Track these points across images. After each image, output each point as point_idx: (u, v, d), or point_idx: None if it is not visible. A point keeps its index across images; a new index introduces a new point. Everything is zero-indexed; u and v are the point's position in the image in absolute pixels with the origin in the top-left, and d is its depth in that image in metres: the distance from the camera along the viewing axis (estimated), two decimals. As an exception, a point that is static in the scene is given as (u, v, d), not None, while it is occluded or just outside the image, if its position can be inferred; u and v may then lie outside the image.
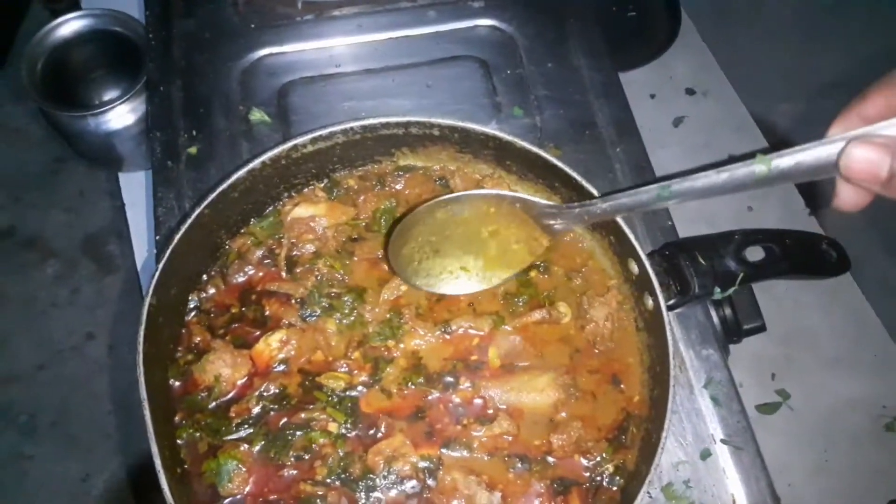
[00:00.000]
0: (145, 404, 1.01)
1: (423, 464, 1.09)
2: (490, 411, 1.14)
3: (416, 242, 1.17)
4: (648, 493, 1.20)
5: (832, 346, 1.74)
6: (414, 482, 1.08)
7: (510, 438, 1.12)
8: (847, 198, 0.76)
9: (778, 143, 2.01)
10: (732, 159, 0.81)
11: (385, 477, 1.08)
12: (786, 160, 0.75)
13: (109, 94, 1.80)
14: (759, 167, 0.77)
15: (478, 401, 1.15)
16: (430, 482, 1.09)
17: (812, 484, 1.62)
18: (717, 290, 1.15)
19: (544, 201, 1.13)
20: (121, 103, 1.63)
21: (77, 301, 3.19)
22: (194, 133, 1.45)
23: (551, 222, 1.12)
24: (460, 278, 1.19)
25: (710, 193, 0.85)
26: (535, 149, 1.20)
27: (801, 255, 1.22)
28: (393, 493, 1.08)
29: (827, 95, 2.62)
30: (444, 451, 1.11)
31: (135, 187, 1.77)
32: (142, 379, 1.03)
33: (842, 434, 1.66)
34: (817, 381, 1.70)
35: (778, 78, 2.40)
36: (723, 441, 1.24)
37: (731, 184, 0.82)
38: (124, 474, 2.78)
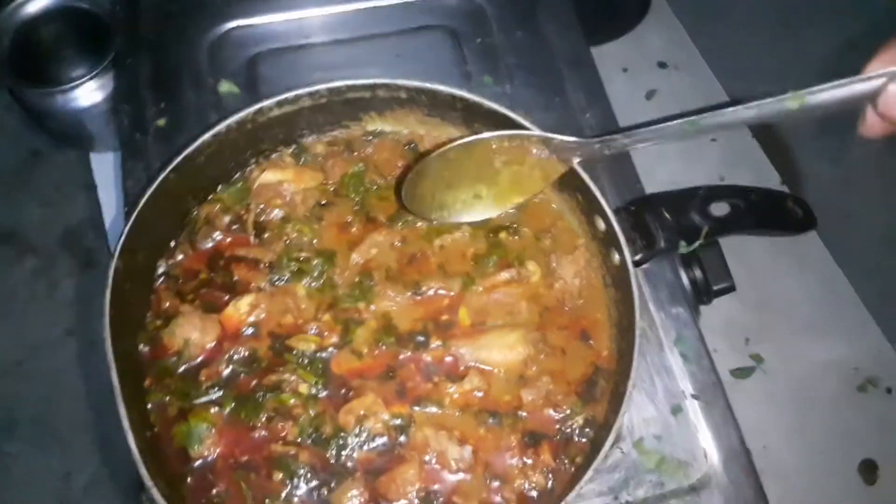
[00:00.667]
0: (112, 366, 1.01)
1: (394, 421, 1.09)
2: (461, 368, 1.14)
3: (430, 180, 1.16)
4: (620, 448, 1.21)
5: (805, 311, 1.76)
6: (385, 439, 1.08)
7: (481, 395, 1.12)
8: (874, 127, 0.76)
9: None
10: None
11: (357, 435, 1.08)
12: (821, 96, 0.75)
13: (78, 72, 1.77)
14: (791, 103, 0.77)
15: (448, 359, 1.15)
16: (401, 439, 1.09)
17: (787, 446, 1.63)
18: (683, 243, 1.16)
19: (564, 137, 1.10)
20: (89, 79, 1.62)
21: (56, 296, 3.16)
22: (162, 105, 1.44)
23: (569, 156, 1.11)
24: (475, 206, 1.20)
25: (735, 126, 0.87)
26: (502, 109, 1.20)
27: (766, 211, 1.23)
28: (364, 450, 1.08)
29: (792, 79, 2.65)
30: (415, 408, 1.11)
31: (106, 168, 1.76)
32: (108, 343, 1.02)
33: (815, 396, 1.68)
34: (790, 346, 1.72)
35: (749, 52, 2.43)
36: (693, 396, 1.25)
37: (759, 117, 0.83)
38: (107, 470, 2.76)
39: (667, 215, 1.16)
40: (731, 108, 0.85)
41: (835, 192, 1.85)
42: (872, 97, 0.73)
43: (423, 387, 1.13)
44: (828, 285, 1.78)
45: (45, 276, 3.21)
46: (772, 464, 1.61)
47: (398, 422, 1.10)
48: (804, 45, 2.67)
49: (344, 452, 1.08)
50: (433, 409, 1.11)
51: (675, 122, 0.93)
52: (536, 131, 1.13)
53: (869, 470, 1.61)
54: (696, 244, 1.16)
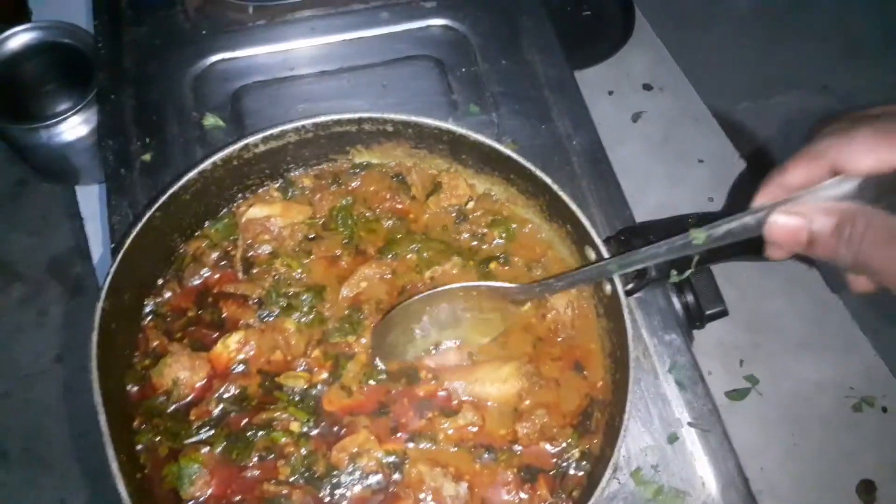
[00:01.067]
0: (100, 409, 0.99)
1: (388, 458, 1.08)
2: (454, 403, 1.13)
3: (397, 329, 1.15)
4: (617, 479, 1.19)
5: (797, 331, 1.76)
6: (379, 477, 1.07)
7: (475, 429, 1.11)
8: (774, 254, 0.87)
9: (734, 133, 2.05)
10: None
11: (350, 473, 1.07)
12: (720, 230, 0.85)
13: (62, 107, 1.77)
14: (696, 239, 0.87)
15: (442, 393, 1.14)
16: (395, 476, 1.07)
17: (784, 467, 1.62)
18: (674, 272, 1.15)
19: (508, 285, 1.14)
20: (73, 114, 1.61)
21: (44, 324, 3.14)
22: (147, 140, 1.43)
23: (520, 298, 1.15)
24: (442, 349, 1.19)
25: (651, 262, 0.98)
26: (488, 141, 1.20)
27: (754, 239, 1.22)
28: (358, 488, 1.06)
29: (780, 89, 2.68)
30: (409, 444, 1.09)
31: (92, 201, 1.75)
32: (96, 385, 1.01)
33: (811, 417, 1.68)
34: (784, 366, 1.72)
35: (733, 71, 2.45)
36: (690, 424, 1.24)
37: (671, 254, 0.92)
38: (102, 497, 2.72)
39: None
40: (643, 249, 0.94)
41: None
42: (760, 228, 0.83)
43: (417, 422, 1.11)
44: (820, 304, 1.79)
45: (33, 305, 3.18)
46: (769, 486, 1.61)
47: (392, 459, 1.08)
48: (787, 59, 2.70)
49: (338, 491, 1.06)
50: (427, 445, 1.09)
51: (597, 263, 1.08)
52: (486, 283, 1.16)
53: (867, 490, 1.60)
54: (688, 273, 1.15)
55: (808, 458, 1.64)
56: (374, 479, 1.07)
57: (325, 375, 1.13)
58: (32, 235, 3.25)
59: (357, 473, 1.07)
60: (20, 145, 1.65)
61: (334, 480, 1.07)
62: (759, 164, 2.06)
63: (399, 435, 1.10)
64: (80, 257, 3.15)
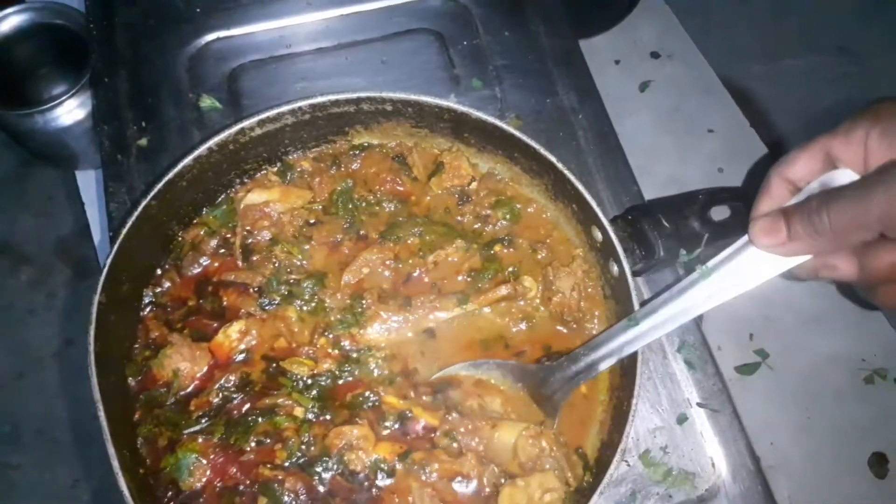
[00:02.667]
0: (100, 406, 0.98)
1: (375, 460, 1.05)
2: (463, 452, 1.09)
3: None
4: (626, 461, 1.18)
5: (809, 304, 1.72)
6: (362, 476, 1.05)
7: (469, 480, 1.06)
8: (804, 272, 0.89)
9: (745, 102, 1.99)
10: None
11: (336, 462, 1.05)
12: (717, 259, 0.95)
13: (58, 90, 1.74)
14: (701, 272, 0.95)
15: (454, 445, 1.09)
16: (380, 482, 1.05)
17: (795, 442, 1.60)
18: (683, 252, 1.12)
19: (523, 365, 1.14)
20: (68, 98, 1.59)
21: (54, 306, 3.14)
22: (143, 124, 1.40)
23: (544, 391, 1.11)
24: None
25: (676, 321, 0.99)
26: (491, 119, 1.17)
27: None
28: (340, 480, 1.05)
29: (793, 52, 2.60)
30: (398, 463, 1.05)
31: (92, 185, 1.73)
32: (94, 381, 1.00)
33: (823, 390, 1.65)
34: (795, 339, 1.69)
35: (742, 36, 2.38)
36: (699, 405, 1.22)
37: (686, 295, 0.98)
38: (114, 477, 2.74)
39: (665, 223, 1.12)
40: (661, 301, 0.99)
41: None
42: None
43: (421, 445, 1.08)
44: (832, 276, 1.75)
45: (42, 287, 3.18)
46: (780, 460, 1.59)
47: (380, 465, 1.05)
48: (800, 20, 2.62)
49: (325, 476, 1.05)
50: (416, 469, 1.05)
51: (618, 324, 1.05)
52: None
53: (879, 463, 1.58)
54: (697, 252, 1.12)
55: (819, 432, 1.61)
56: (357, 477, 1.05)
57: (328, 365, 1.11)
58: (39, 217, 3.24)
59: (340, 467, 1.05)
60: (17, 131, 1.62)
61: (324, 466, 1.05)
62: (768, 132, 2.01)
63: (399, 445, 1.07)
64: (86, 239, 3.14)
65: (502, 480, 1.05)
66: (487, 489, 1.05)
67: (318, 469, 1.05)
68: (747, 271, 0.91)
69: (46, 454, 2.85)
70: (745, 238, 0.91)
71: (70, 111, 1.62)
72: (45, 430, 2.90)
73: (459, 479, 1.05)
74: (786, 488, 1.57)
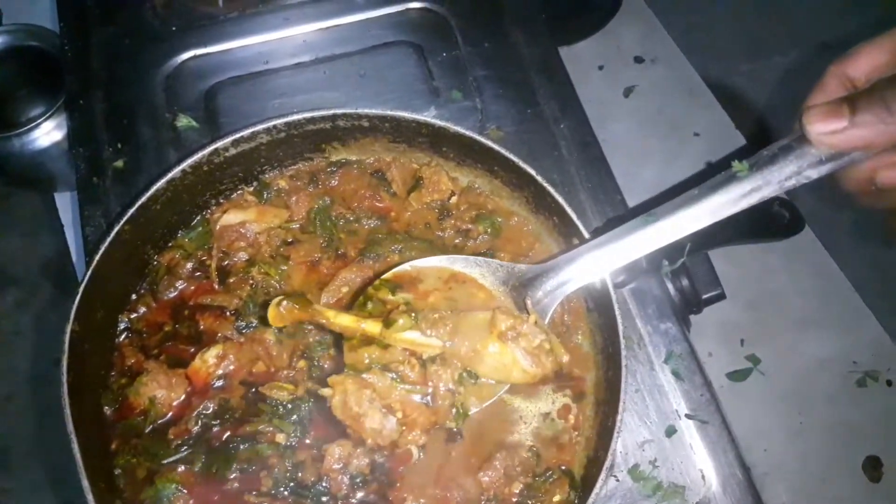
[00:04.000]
0: (73, 438, 0.96)
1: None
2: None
3: None
4: (615, 476, 1.16)
5: (799, 306, 1.72)
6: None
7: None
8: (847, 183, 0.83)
9: (730, 103, 1.98)
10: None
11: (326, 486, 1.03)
12: (762, 157, 0.85)
13: (34, 112, 1.72)
14: (739, 170, 0.87)
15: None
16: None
17: (788, 448, 1.59)
18: (665, 263, 1.11)
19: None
20: (44, 120, 1.57)
21: (41, 327, 3.11)
22: (119, 146, 1.38)
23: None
24: None
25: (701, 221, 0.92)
26: (469, 133, 1.15)
27: (751, 219, 1.18)
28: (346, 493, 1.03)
29: (776, 49, 2.59)
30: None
31: (71, 207, 1.71)
32: (68, 412, 0.98)
33: (815, 394, 1.64)
34: (787, 343, 1.68)
35: (725, 35, 2.37)
36: (687, 416, 1.20)
37: (714, 191, 0.90)
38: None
39: (646, 234, 1.10)
40: (678, 199, 0.93)
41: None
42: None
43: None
44: (821, 278, 1.74)
45: (29, 308, 3.15)
46: (774, 467, 1.58)
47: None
48: (783, 16, 2.61)
49: (324, 499, 1.03)
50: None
51: (633, 221, 0.97)
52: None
53: (874, 467, 1.57)
54: (680, 262, 1.11)
55: (812, 436, 1.60)
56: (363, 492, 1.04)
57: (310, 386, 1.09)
58: (24, 238, 3.21)
59: (346, 479, 1.03)
60: (-7, 155, 1.60)
61: (322, 488, 1.03)
62: (753, 130, 2.00)
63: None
64: (70, 259, 3.12)
65: (465, 376, 0.98)
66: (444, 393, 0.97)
67: (308, 495, 1.03)
68: (787, 172, 0.82)
69: (37, 477, 2.82)
70: (790, 138, 0.82)
71: (47, 133, 1.61)
72: (34, 452, 2.87)
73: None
74: (781, 494, 1.56)
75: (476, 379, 0.99)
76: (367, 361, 0.98)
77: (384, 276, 1.06)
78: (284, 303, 0.98)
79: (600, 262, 0.99)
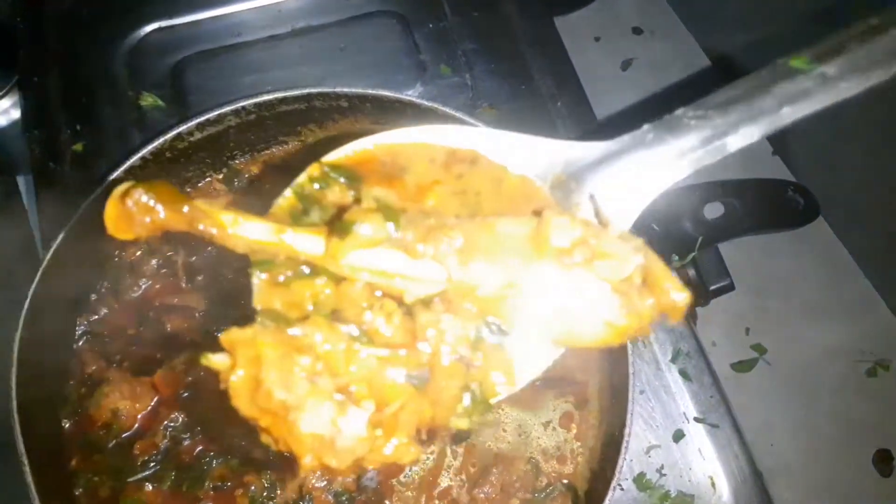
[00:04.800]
0: (25, 461, 0.86)
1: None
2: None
3: None
4: (620, 485, 1.08)
5: (806, 293, 1.64)
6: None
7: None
8: None
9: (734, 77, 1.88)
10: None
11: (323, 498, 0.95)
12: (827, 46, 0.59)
13: (-11, 90, 1.59)
14: (799, 65, 0.59)
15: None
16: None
17: (795, 441, 1.53)
18: (675, 257, 1.02)
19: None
20: (0, 98, 1.44)
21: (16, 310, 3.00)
22: (78, 127, 1.27)
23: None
24: None
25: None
26: (459, 114, 1.04)
27: (764, 208, 1.09)
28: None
29: (780, 19, 2.48)
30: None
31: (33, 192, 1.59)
32: (17, 429, 0.88)
33: (822, 385, 1.57)
34: (793, 332, 1.60)
35: (730, 8, 2.26)
36: (696, 419, 1.12)
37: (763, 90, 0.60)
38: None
39: (655, 226, 1.01)
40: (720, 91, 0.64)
41: (830, 153, 1.70)
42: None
43: None
44: (830, 264, 1.66)
45: (5, 290, 3.05)
46: (781, 462, 1.51)
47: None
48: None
49: None
50: None
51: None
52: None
53: (884, 460, 1.51)
54: (690, 257, 1.02)
55: (820, 429, 1.54)
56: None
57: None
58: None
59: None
60: (-58, 137, 1.48)
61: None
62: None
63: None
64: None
65: (485, 333, 0.58)
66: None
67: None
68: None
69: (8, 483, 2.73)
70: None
71: (3, 112, 1.47)
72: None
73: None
74: (786, 491, 1.49)
75: (504, 338, 0.58)
76: (304, 305, 0.58)
77: (330, 159, 0.65)
78: (137, 193, 0.58)
79: (723, 131, 0.61)
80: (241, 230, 0.58)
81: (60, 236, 0.96)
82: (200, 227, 0.58)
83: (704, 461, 1.10)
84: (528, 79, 1.35)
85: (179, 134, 1.03)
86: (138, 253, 1.07)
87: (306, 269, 0.59)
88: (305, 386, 0.52)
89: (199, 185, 1.12)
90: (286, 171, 1.11)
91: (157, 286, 1.07)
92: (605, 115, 1.40)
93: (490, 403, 0.58)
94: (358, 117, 1.12)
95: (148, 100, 1.30)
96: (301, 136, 1.15)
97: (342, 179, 0.63)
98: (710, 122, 0.61)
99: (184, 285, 1.06)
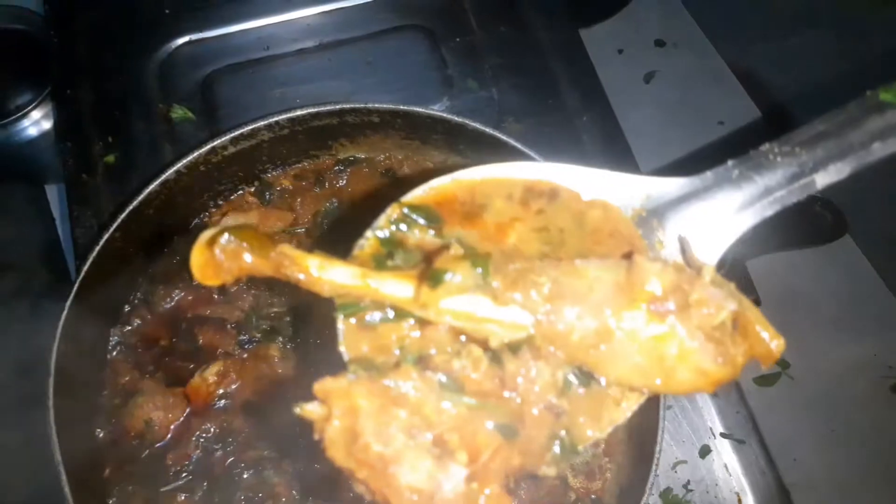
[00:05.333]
0: (61, 469, 0.88)
1: None
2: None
3: None
4: (647, 501, 1.08)
5: (830, 308, 1.62)
6: None
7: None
8: None
9: (757, 91, 1.88)
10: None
11: None
12: None
13: (21, 100, 1.61)
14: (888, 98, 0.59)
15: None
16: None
17: (819, 457, 1.51)
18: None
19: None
20: (32, 109, 1.46)
21: (39, 315, 3.03)
22: (109, 140, 1.29)
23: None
24: None
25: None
26: (489, 130, 1.05)
27: (792, 225, 1.09)
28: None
29: (803, 32, 2.48)
30: None
31: (63, 200, 1.61)
32: (55, 439, 0.89)
33: (847, 400, 1.55)
34: (817, 347, 1.58)
35: (752, 17, 2.25)
36: (723, 435, 1.12)
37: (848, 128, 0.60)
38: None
39: (684, 243, 1.01)
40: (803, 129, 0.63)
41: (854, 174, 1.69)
42: None
43: None
44: (853, 278, 1.65)
45: (26, 296, 3.08)
46: (804, 477, 1.49)
47: None
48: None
49: None
50: None
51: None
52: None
53: (909, 478, 1.49)
54: (720, 274, 1.02)
55: (844, 445, 1.52)
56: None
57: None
58: (16, 225, 3.11)
59: None
60: (-25, 148, 1.50)
61: None
62: (779, 122, 1.89)
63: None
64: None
65: (573, 378, 0.58)
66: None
67: None
68: None
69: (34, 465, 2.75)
70: None
71: (35, 122, 1.50)
72: (21, 447, 2.80)
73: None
74: (810, 506, 1.48)
75: (591, 384, 0.58)
76: (391, 349, 0.58)
77: (409, 199, 0.64)
78: (224, 239, 0.58)
79: (810, 168, 0.61)
80: (329, 274, 0.58)
81: (97, 249, 0.97)
82: (287, 272, 0.58)
83: (731, 477, 1.10)
84: (554, 93, 1.36)
85: (214, 148, 1.04)
86: (172, 264, 1.08)
87: (391, 314, 0.58)
88: (402, 439, 0.52)
89: (232, 198, 1.14)
90: (318, 185, 1.13)
91: (190, 298, 1.08)
92: (630, 128, 1.40)
93: (578, 451, 0.58)
94: (389, 132, 1.13)
95: (178, 112, 1.32)
96: (332, 151, 1.16)
97: (421, 220, 0.63)
98: (798, 159, 0.61)
99: (216, 297, 1.07)
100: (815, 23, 2.58)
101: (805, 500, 1.48)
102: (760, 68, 2.12)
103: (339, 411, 0.53)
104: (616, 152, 1.29)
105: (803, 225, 1.12)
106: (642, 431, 0.97)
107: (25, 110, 1.48)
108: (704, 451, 1.11)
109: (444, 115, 1.06)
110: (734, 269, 1.20)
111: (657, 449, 0.89)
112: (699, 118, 1.82)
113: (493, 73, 1.37)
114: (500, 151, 1.09)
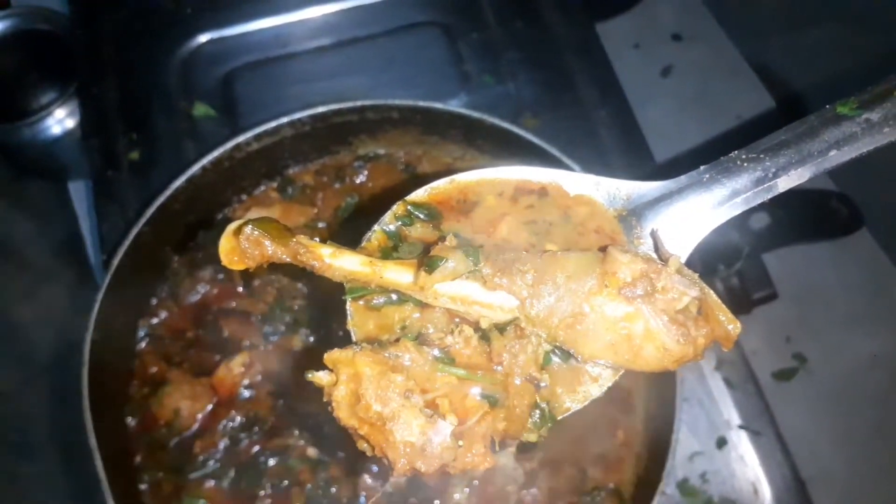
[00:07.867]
0: (97, 454, 0.91)
1: None
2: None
3: None
4: (663, 491, 1.10)
5: (848, 302, 1.62)
6: None
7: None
8: None
9: (775, 85, 1.88)
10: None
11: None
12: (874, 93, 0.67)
13: (46, 99, 1.65)
14: (843, 110, 0.67)
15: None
16: None
17: (836, 451, 1.51)
18: (721, 267, 1.03)
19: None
20: (56, 107, 1.49)
21: (56, 311, 3.08)
22: (134, 136, 1.32)
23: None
24: None
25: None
26: (507, 125, 1.07)
27: (809, 219, 1.10)
28: None
29: (820, 26, 2.47)
30: None
31: (85, 197, 1.64)
32: (90, 425, 0.92)
33: (864, 395, 1.55)
34: (835, 341, 1.58)
35: (768, 10, 2.25)
36: (740, 427, 1.14)
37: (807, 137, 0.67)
38: None
39: (702, 236, 1.02)
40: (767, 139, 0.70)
41: (873, 168, 1.69)
42: None
43: None
44: (872, 272, 1.64)
45: (43, 292, 3.13)
46: (821, 471, 1.50)
47: None
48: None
49: None
50: None
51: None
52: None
53: (926, 471, 1.49)
54: (736, 266, 1.03)
55: (862, 440, 1.52)
56: None
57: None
58: (37, 222, 3.16)
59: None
60: (2, 144, 1.53)
61: None
62: (794, 112, 1.89)
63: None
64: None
65: (553, 357, 0.65)
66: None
67: None
68: None
69: (58, 461, 2.80)
70: None
71: (59, 121, 1.53)
72: (54, 436, 2.85)
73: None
74: (827, 499, 1.48)
75: (569, 361, 0.65)
76: (394, 328, 0.66)
77: (412, 197, 0.71)
78: (248, 229, 0.64)
79: (773, 172, 0.68)
80: (339, 262, 0.66)
81: (127, 242, 1.00)
82: (303, 259, 0.66)
83: (747, 468, 1.11)
84: (571, 88, 1.37)
85: (238, 144, 1.07)
86: (198, 258, 1.11)
87: (394, 297, 0.66)
88: (399, 400, 0.59)
89: (255, 193, 1.16)
90: (338, 180, 1.15)
91: (215, 291, 1.10)
92: (647, 122, 1.40)
93: (557, 419, 0.65)
94: (408, 128, 1.15)
95: (200, 109, 1.34)
96: (352, 146, 1.18)
97: (423, 216, 0.70)
98: (762, 165, 0.67)
99: (240, 290, 1.09)
100: (831, 16, 2.58)
101: (821, 493, 1.48)
102: (777, 62, 2.12)
103: (345, 377, 0.60)
104: (632, 146, 1.30)
105: (820, 219, 1.13)
106: (659, 423, 0.98)
107: (49, 109, 1.50)
108: (721, 443, 1.12)
109: (463, 111, 1.08)
110: (750, 264, 1.21)
111: (674, 439, 0.90)
112: (716, 112, 1.81)
113: (509, 69, 1.38)
114: (517, 146, 1.10)
